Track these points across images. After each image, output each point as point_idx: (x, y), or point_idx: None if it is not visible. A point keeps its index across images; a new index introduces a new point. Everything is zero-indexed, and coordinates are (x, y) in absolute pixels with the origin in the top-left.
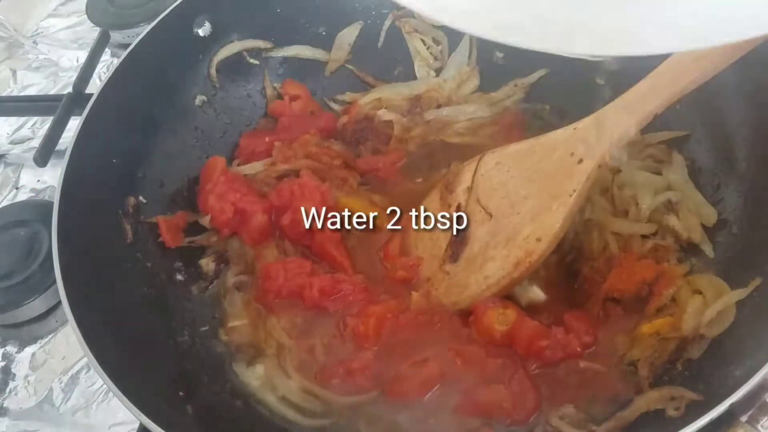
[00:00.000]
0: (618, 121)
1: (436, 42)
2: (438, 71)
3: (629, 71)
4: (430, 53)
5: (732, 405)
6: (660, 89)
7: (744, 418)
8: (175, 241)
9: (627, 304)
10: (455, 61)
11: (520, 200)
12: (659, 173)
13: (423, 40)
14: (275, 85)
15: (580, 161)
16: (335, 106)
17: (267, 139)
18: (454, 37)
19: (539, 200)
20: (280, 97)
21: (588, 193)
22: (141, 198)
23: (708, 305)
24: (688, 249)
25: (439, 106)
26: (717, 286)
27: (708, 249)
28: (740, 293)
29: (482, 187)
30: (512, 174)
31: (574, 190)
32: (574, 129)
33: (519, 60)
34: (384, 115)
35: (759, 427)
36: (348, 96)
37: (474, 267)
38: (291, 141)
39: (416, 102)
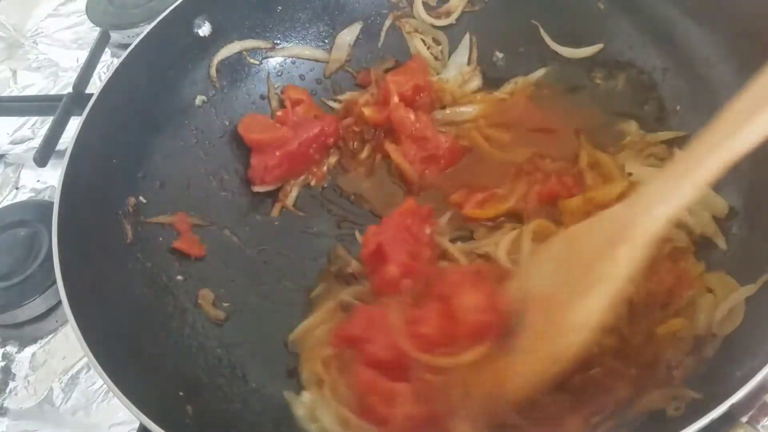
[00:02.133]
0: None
1: (437, 42)
2: (438, 72)
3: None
4: (431, 53)
5: (732, 405)
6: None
7: (744, 419)
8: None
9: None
10: (456, 62)
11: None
12: None
13: (423, 40)
14: (277, 91)
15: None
16: (335, 105)
17: (277, 153)
18: (454, 37)
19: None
20: (282, 105)
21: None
22: (141, 198)
23: (719, 303)
24: (701, 245)
25: (443, 107)
26: (727, 283)
27: (721, 242)
28: (749, 289)
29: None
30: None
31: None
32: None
33: (519, 60)
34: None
35: (759, 427)
36: (348, 95)
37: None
38: (298, 149)
39: None
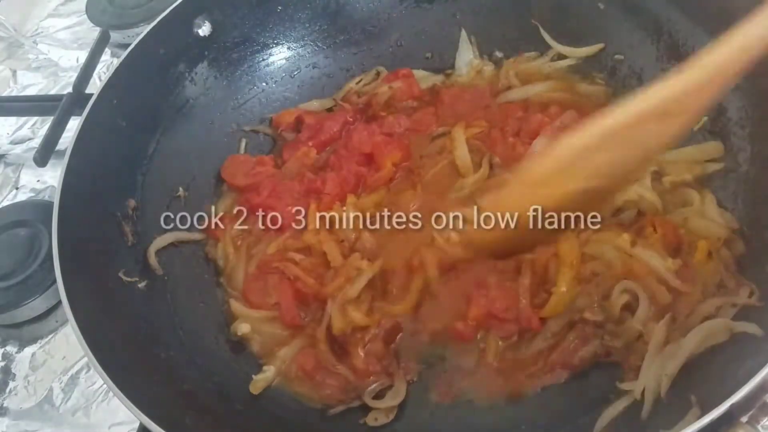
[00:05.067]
0: None
1: None
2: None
3: None
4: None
5: (732, 405)
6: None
7: (744, 419)
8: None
9: None
10: (463, 59)
11: None
12: None
13: None
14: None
15: None
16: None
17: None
18: (454, 38)
19: None
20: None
21: None
22: (141, 199)
23: None
24: None
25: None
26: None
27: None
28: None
29: None
30: None
31: None
32: None
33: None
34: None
35: (759, 427)
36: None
37: None
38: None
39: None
